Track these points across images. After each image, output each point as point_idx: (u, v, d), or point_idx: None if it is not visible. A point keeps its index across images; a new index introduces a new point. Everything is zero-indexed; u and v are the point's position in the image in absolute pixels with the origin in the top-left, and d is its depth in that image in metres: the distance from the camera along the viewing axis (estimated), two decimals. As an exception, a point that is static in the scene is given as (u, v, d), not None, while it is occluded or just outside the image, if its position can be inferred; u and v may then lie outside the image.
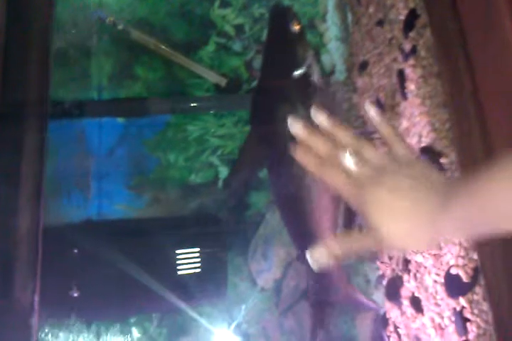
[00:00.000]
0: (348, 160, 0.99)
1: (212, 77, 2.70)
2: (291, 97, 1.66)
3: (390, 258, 1.92)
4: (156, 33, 2.84)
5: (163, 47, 2.77)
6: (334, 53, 2.48)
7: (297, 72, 1.67)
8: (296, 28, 1.72)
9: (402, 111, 1.88)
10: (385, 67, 2.02)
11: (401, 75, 1.89)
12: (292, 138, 1.07)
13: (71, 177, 2.59)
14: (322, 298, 1.78)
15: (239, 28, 2.76)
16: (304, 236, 1.74)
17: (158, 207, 2.71)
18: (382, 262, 1.98)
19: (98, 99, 2.85)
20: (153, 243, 2.26)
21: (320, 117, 1.07)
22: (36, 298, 1.66)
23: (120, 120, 2.84)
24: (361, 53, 2.21)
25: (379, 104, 2.05)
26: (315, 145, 1.05)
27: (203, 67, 2.72)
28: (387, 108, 1.98)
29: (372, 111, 1.04)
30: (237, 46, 2.76)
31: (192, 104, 2.65)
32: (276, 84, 1.72)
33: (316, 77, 1.70)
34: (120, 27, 2.79)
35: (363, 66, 2.19)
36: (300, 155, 1.07)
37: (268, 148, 1.75)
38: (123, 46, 2.88)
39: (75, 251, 2.13)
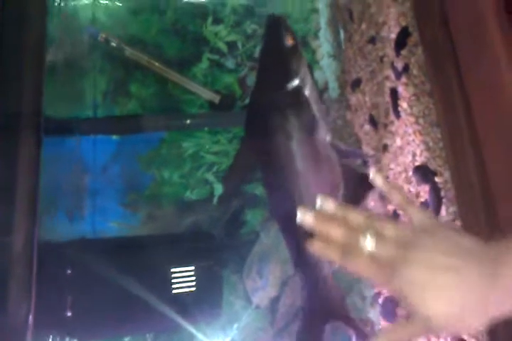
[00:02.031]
0: (369, 243, 0.90)
1: (206, 94, 2.70)
2: (284, 109, 1.65)
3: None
4: (149, 49, 2.83)
5: (157, 64, 2.76)
6: (327, 70, 2.49)
7: (290, 85, 1.66)
8: (290, 42, 1.71)
9: (395, 129, 1.88)
10: (378, 84, 2.02)
11: (394, 93, 1.89)
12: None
13: (65, 194, 2.57)
14: (317, 317, 1.74)
15: (231, 45, 2.76)
16: (302, 250, 1.69)
17: (153, 224, 2.70)
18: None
19: (93, 117, 2.85)
20: (148, 260, 2.24)
21: (327, 202, 0.99)
22: (31, 316, 1.66)
23: (115, 137, 2.84)
24: (354, 70, 2.22)
25: (372, 122, 2.05)
26: (330, 232, 0.96)
27: (196, 84, 2.72)
28: (381, 126, 1.98)
29: (379, 180, 0.98)
30: (230, 63, 2.77)
31: (186, 121, 2.64)
32: (270, 96, 1.71)
33: (309, 90, 1.69)
34: (113, 44, 2.78)
35: (356, 83, 2.19)
36: (318, 248, 0.98)
37: (262, 157, 1.75)
38: (116, 63, 2.89)
39: (69, 270, 2.11)
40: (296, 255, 1.74)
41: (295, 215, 1.59)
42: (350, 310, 1.74)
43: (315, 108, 1.67)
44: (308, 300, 1.75)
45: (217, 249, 2.38)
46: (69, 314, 2.07)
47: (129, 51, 2.78)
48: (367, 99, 2.10)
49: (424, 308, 0.83)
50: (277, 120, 1.65)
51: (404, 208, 0.96)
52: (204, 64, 2.79)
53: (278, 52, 1.72)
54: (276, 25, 1.75)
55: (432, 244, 0.87)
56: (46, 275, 1.79)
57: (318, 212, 0.99)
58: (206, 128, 2.70)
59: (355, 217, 0.94)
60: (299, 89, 1.67)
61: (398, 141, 1.85)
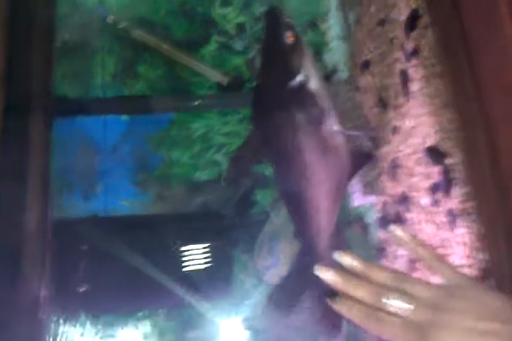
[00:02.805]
0: (396, 305, 0.85)
1: (214, 76, 2.70)
2: (289, 107, 1.66)
3: (395, 256, 1.94)
4: (158, 31, 2.83)
5: (165, 45, 2.77)
6: (336, 52, 2.47)
7: (293, 83, 1.66)
8: (290, 39, 1.69)
9: (405, 111, 1.88)
10: (388, 66, 2.00)
11: (404, 75, 1.88)
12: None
13: (78, 174, 2.61)
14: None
15: (240, 27, 2.75)
16: (307, 228, 1.74)
17: (163, 203, 2.72)
18: (388, 260, 2.00)
19: (102, 97, 2.84)
20: (160, 238, 2.28)
21: (347, 259, 0.95)
22: (45, 294, 1.68)
23: (124, 117, 2.86)
24: (363, 53, 2.20)
25: (382, 104, 2.05)
26: (353, 292, 0.91)
27: (204, 66, 2.72)
28: (390, 108, 1.99)
29: (405, 238, 0.95)
30: (238, 45, 2.75)
31: (195, 102, 2.61)
32: (273, 95, 1.72)
33: (314, 84, 1.68)
34: (121, 25, 2.79)
35: (366, 65, 2.18)
36: (341, 309, 0.92)
37: (270, 149, 1.76)
38: (125, 44, 2.88)
39: (83, 247, 2.13)
40: (298, 229, 1.78)
41: (302, 199, 1.68)
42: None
43: (322, 100, 1.68)
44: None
45: (227, 228, 2.44)
46: (83, 290, 2.09)
47: (137, 32, 2.80)
48: (376, 80, 2.09)
49: None
50: (283, 117, 1.66)
51: (433, 265, 0.92)
52: (212, 46, 2.78)
53: (278, 50, 1.70)
54: (274, 23, 1.72)
55: (466, 306, 0.82)
56: (61, 252, 1.81)
57: (338, 271, 0.94)
58: (215, 110, 2.70)
59: (380, 275, 0.91)
60: (303, 85, 1.66)
61: (408, 123, 1.85)
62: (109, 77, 2.89)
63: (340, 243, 1.78)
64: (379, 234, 2.12)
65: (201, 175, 2.69)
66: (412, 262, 1.81)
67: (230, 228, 2.43)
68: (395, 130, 1.96)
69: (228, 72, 2.71)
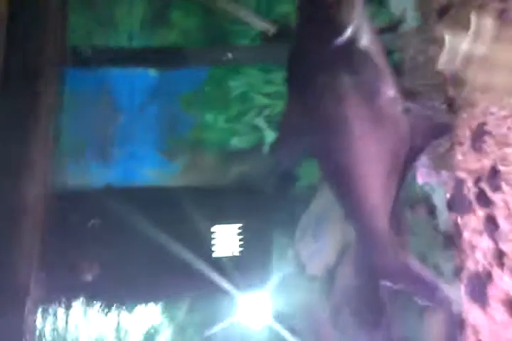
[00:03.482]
0: None
1: (259, 25, 2.53)
2: (333, 69, 1.50)
3: (473, 246, 1.76)
4: None
5: None
6: None
7: (340, 38, 1.48)
8: None
9: (500, 61, 1.71)
10: (475, 9, 1.81)
11: (502, 15, 1.70)
12: None
13: (93, 134, 2.48)
14: (373, 264, 1.64)
15: None
16: (359, 208, 1.61)
17: (194, 174, 2.60)
18: (461, 250, 1.82)
19: (128, 47, 2.70)
20: (186, 216, 2.16)
21: None
22: (34, 278, 1.59)
23: (152, 72, 2.70)
24: None
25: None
26: None
27: (248, 13, 2.55)
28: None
29: None
30: None
31: (234, 55, 2.50)
32: (314, 53, 1.54)
33: (367, 40, 1.50)
34: None
35: (444, 11, 1.99)
36: None
37: (310, 123, 1.60)
38: None
39: (93, 223, 2.00)
40: (348, 205, 1.65)
41: (351, 176, 1.56)
42: (417, 271, 1.61)
43: (375, 60, 1.51)
44: (360, 253, 1.67)
45: (266, 206, 2.29)
46: (91, 275, 1.97)
47: None
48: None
49: None
50: (327, 82, 1.50)
51: None
52: None
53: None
54: None
55: None
56: (65, 227, 1.70)
57: None
58: (257, 65, 2.55)
59: None
60: (351, 42, 1.49)
61: (503, 77, 1.65)
62: (137, 25, 2.73)
63: (400, 228, 1.67)
64: (449, 219, 1.94)
65: (238, 143, 2.55)
66: (498, 256, 1.66)
67: (269, 206, 2.32)
68: (485, 87, 1.78)
69: (275, 21, 2.53)
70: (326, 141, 1.58)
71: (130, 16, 2.73)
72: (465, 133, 1.89)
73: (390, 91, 1.51)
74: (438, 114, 1.88)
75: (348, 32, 1.46)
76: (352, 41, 1.47)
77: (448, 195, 1.95)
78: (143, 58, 2.58)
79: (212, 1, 2.60)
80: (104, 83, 2.57)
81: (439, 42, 2.00)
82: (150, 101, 2.71)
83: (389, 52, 1.71)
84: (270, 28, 2.50)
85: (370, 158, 1.54)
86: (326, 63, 1.51)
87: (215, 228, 2.20)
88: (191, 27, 2.68)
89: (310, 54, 1.54)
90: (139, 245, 2.07)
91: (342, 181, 1.60)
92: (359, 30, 1.48)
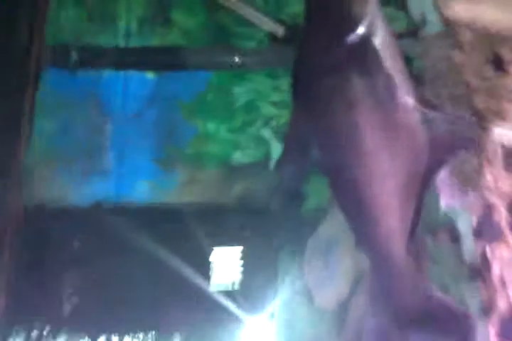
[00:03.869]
0: None
1: (267, 25, 2.45)
2: (344, 70, 1.40)
3: (504, 280, 1.69)
4: None
5: None
6: None
7: (353, 36, 1.39)
8: None
9: None
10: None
11: None
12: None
13: (80, 144, 2.39)
14: (390, 297, 1.54)
15: None
16: (372, 234, 1.52)
17: (192, 189, 2.56)
18: (489, 284, 1.73)
19: (123, 47, 2.63)
20: (183, 238, 2.14)
21: None
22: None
23: (150, 75, 2.65)
24: None
25: (497, 64, 1.81)
26: None
27: (255, 12, 2.47)
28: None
29: None
30: None
31: (240, 58, 2.39)
32: (323, 52, 1.45)
33: (381, 39, 1.41)
34: None
35: None
36: None
37: (318, 133, 1.51)
38: None
39: (75, 244, 1.94)
40: (360, 229, 1.55)
41: (362, 196, 1.47)
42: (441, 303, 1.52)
43: (391, 62, 1.43)
44: (375, 284, 1.57)
45: (270, 227, 2.22)
46: (71, 304, 1.89)
47: None
48: (491, 31, 1.84)
49: None
50: (334, 85, 1.41)
51: None
52: None
53: None
54: None
55: None
56: (44, 249, 1.63)
57: None
58: (265, 69, 2.47)
59: None
60: (365, 40, 1.40)
61: None
62: (136, 22, 2.68)
63: (419, 257, 1.65)
64: (475, 247, 1.86)
65: (242, 156, 2.47)
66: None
67: (275, 225, 2.26)
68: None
69: (284, 21, 2.45)
70: (334, 153, 1.50)
71: (128, 14, 2.68)
72: (495, 151, 1.82)
73: (406, 98, 1.42)
74: (462, 127, 1.80)
75: (361, 28, 1.39)
76: (365, 39, 1.39)
77: (475, 220, 1.87)
78: (140, 59, 2.51)
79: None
80: (93, 86, 2.50)
81: (468, 48, 1.94)
82: (146, 107, 2.65)
83: (408, 59, 1.67)
84: (279, 29, 2.43)
85: (384, 174, 1.45)
86: (336, 64, 1.42)
87: (214, 252, 2.11)
88: (193, 26, 2.64)
89: (318, 54, 1.46)
90: (128, 270, 2.00)
91: (353, 201, 1.51)
92: (373, 27, 1.40)
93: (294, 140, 1.56)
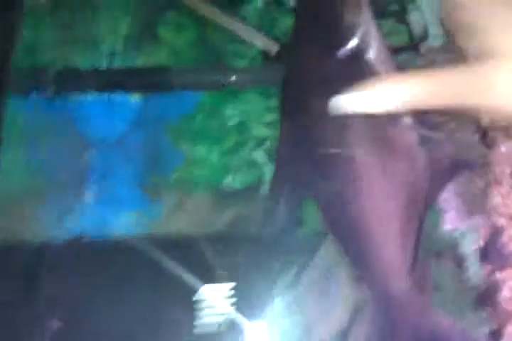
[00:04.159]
0: None
1: (260, 42, 2.44)
2: (335, 87, 1.31)
3: None
4: None
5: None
6: (426, 10, 2.18)
7: (344, 48, 1.37)
8: None
9: None
10: None
11: None
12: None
13: (60, 173, 2.30)
14: (393, 326, 1.49)
15: None
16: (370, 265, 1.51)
17: (179, 218, 2.48)
18: (498, 312, 1.72)
19: (107, 68, 2.58)
20: (168, 274, 1.98)
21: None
22: None
23: (135, 97, 2.56)
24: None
25: None
26: None
27: (247, 28, 2.47)
28: None
29: None
30: (291, 0, 2.44)
31: (231, 78, 2.41)
32: (311, 67, 1.45)
33: (375, 51, 1.39)
34: None
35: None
36: None
37: (308, 156, 1.50)
38: None
39: (57, 279, 1.87)
40: (357, 265, 1.57)
41: (357, 225, 1.46)
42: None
43: (386, 78, 1.38)
44: (377, 315, 1.52)
45: (265, 255, 2.14)
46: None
47: None
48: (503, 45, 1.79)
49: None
50: (324, 102, 1.31)
51: None
52: (258, 2, 2.53)
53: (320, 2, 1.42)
54: None
55: None
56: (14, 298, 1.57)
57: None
58: (257, 89, 2.44)
59: None
60: (358, 53, 1.39)
61: None
62: (120, 41, 2.63)
63: (423, 284, 1.54)
64: (482, 272, 1.86)
65: (233, 181, 2.43)
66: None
67: (268, 255, 2.16)
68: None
69: (278, 38, 2.43)
70: (324, 180, 1.48)
71: (112, 32, 2.62)
72: (504, 171, 1.82)
73: (404, 117, 1.40)
74: (467, 146, 1.77)
75: (355, 40, 1.38)
76: (358, 52, 1.38)
77: (481, 243, 1.88)
78: (124, 80, 2.51)
79: (206, 14, 2.52)
80: (73, 111, 2.43)
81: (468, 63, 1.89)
82: (130, 131, 2.57)
83: (408, 74, 1.63)
84: (273, 47, 2.41)
85: (381, 200, 1.43)
86: (327, 80, 1.40)
87: (203, 288, 2.02)
88: (182, 44, 2.60)
89: (308, 68, 1.46)
90: (113, 307, 1.88)
91: (347, 234, 1.51)
92: (367, 38, 1.39)
93: (282, 164, 1.56)
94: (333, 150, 1.42)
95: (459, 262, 1.92)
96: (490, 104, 0.91)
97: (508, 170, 1.81)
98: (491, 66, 0.92)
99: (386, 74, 1.39)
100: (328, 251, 2.18)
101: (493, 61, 0.93)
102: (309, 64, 1.44)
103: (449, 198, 1.95)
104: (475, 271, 1.88)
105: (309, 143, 1.48)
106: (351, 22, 1.37)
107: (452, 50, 1.96)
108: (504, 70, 0.90)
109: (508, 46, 0.89)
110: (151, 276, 2.00)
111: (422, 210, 1.53)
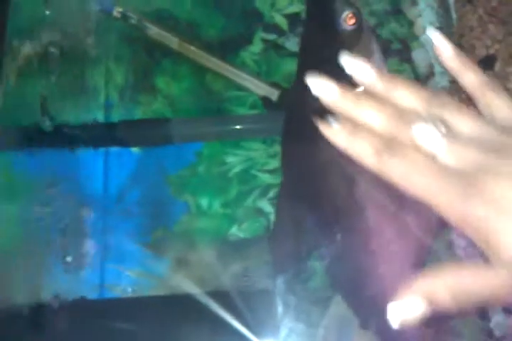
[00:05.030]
0: (430, 135, 0.74)
1: (260, 88, 2.43)
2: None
3: None
4: (182, 28, 2.64)
5: (192, 47, 2.55)
6: (431, 48, 2.15)
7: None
8: (349, 21, 1.41)
9: None
10: None
11: None
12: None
13: (58, 236, 2.25)
14: None
15: (293, 19, 2.49)
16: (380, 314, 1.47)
17: (185, 273, 2.39)
18: None
19: (104, 122, 2.58)
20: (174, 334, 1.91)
21: (363, 69, 0.91)
22: None
23: (135, 150, 2.56)
24: (481, 44, 1.92)
25: None
26: (364, 117, 0.83)
27: (246, 75, 2.47)
28: None
29: (447, 52, 0.93)
30: (291, 44, 2.47)
31: (232, 127, 2.41)
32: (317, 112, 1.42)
33: None
34: (132, 21, 2.60)
35: (487, 63, 1.90)
36: (340, 138, 0.86)
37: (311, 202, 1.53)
38: (137, 47, 2.67)
39: None
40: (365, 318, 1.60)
41: (366, 278, 1.49)
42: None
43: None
44: None
45: (274, 311, 2.05)
46: None
47: (154, 30, 2.60)
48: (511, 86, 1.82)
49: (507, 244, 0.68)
50: (330, 150, 1.34)
51: (480, 95, 0.86)
52: (256, 46, 2.56)
53: (329, 40, 1.44)
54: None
55: None
56: None
57: (346, 89, 0.90)
58: (260, 137, 2.43)
59: (408, 95, 0.84)
60: None
61: None
62: (116, 92, 2.64)
63: (441, 327, 1.59)
64: (506, 321, 1.76)
65: (239, 232, 2.38)
66: None
67: (279, 310, 2.06)
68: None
69: (278, 83, 2.43)
70: (329, 232, 1.52)
71: (107, 84, 2.65)
72: None
73: None
74: None
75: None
76: None
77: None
78: (123, 134, 2.47)
79: (203, 62, 2.53)
80: (69, 168, 2.42)
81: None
82: (130, 186, 2.54)
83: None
84: (273, 93, 2.41)
85: (391, 253, 1.43)
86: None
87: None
88: (180, 93, 2.61)
89: (309, 118, 1.41)
90: None
91: (352, 284, 1.56)
92: None
93: (283, 216, 1.61)
94: (340, 203, 1.40)
95: (482, 310, 1.83)
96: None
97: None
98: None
99: None
100: (341, 304, 2.13)
101: None
102: (313, 108, 1.43)
103: (464, 245, 1.84)
104: (498, 321, 1.79)
105: (311, 190, 1.46)
106: None
107: (461, 91, 1.96)
108: None
109: None
110: (155, 337, 1.96)
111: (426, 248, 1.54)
